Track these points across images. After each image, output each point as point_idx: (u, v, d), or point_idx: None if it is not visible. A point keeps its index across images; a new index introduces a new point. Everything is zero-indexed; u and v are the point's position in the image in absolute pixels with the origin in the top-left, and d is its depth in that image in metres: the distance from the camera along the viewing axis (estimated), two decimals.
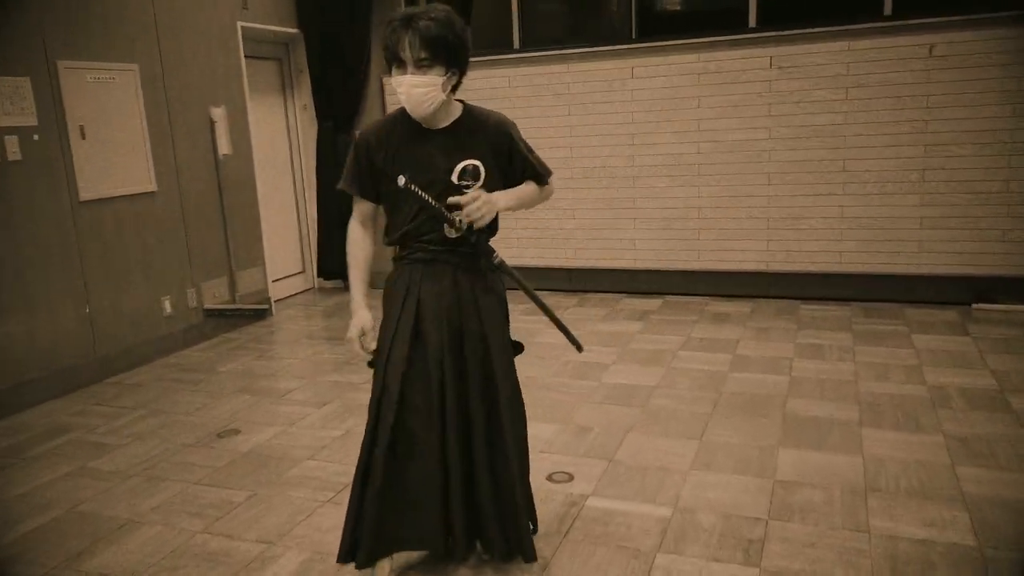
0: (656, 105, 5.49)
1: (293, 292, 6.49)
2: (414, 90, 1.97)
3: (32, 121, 4.02)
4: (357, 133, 2.26)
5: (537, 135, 5.80)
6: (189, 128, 5.05)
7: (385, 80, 6.20)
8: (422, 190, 2.02)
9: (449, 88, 2.03)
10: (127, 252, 4.59)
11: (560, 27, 6.46)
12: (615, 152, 5.66)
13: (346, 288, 6.50)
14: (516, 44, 6.08)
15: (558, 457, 3.15)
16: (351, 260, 2.24)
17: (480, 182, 2.11)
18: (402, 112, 2.09)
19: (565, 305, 5.66)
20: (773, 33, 5.20)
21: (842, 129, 5.07)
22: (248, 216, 5.64)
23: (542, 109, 5.79)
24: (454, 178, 2.09)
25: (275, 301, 5.97)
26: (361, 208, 2.23)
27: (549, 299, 5.83)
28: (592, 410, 3.65)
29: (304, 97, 6.33)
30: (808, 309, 5.19)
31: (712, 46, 5.34)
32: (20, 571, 2.53)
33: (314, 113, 6.27)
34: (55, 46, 4.12)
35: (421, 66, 1.95)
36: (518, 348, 2.38)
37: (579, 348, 2.32)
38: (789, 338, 4.57)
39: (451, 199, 2.03)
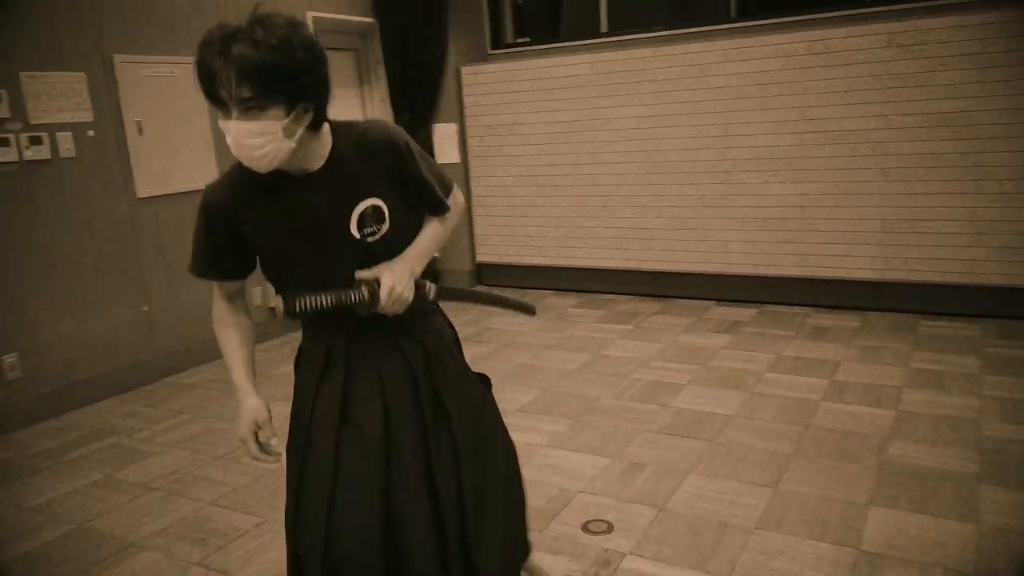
0: (753, 91, 4.89)
1: None
2: (245, 141, 1.39)
3: (88, 117, 3.97)
4: (204, 194, 1.62)
5: (621, 126, 5.33)
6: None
7: (464, 70, 5.91)
8: (316, 257, 1.55)
9: (301, 130, 1.44)
10: (186, 248, 4.49)
11: (652, 8, 5.94)
12: (705, 144, 5.10)
13: None
14: (603, 28, 5.63)
15: (599, 500, 2.74)
16: (223, 343, 1.66)
17: (386, 224, 1.57)
18: None
19: (646, 312, 5.18)
20: (891, 7, 4.50)
21: (975, 116, 4.30)
22: None
23: (626, 97, 5.30)
24: (354, 230, 1.54)
25: None
26: (226, 288, 1.66)
27: (628, 304, 5.38)
28: (650, 442, 3.20)
29: (382, 89, 6.13)
30: (929, 326, 4.47)
31: (819, 23, 4.69)
32: None
33: (390, 106, 6.06)
34: (111, 40, 4.06)
35: (248, 109, 1.36)
36: (485, 382, 1.92)
37: (531, 312, 1.92)
38: (901, 361, 3.91)
39: (359, 275, 1.53)
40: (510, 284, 6.15)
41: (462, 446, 1.71)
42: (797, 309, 5.01)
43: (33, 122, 3.73)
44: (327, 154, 1.52)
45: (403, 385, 1.65)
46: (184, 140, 4.44)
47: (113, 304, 4.13)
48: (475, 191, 6.09)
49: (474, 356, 4.48)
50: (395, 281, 1.51)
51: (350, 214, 1.52)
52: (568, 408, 3.62)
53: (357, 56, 6.10)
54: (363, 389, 1.63)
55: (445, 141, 6.07)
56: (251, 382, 1.63)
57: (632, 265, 5.55)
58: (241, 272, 1.64)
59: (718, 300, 5.34)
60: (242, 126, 1.36)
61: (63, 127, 3.86)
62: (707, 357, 4.19)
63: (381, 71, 6.04)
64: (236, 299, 1.68)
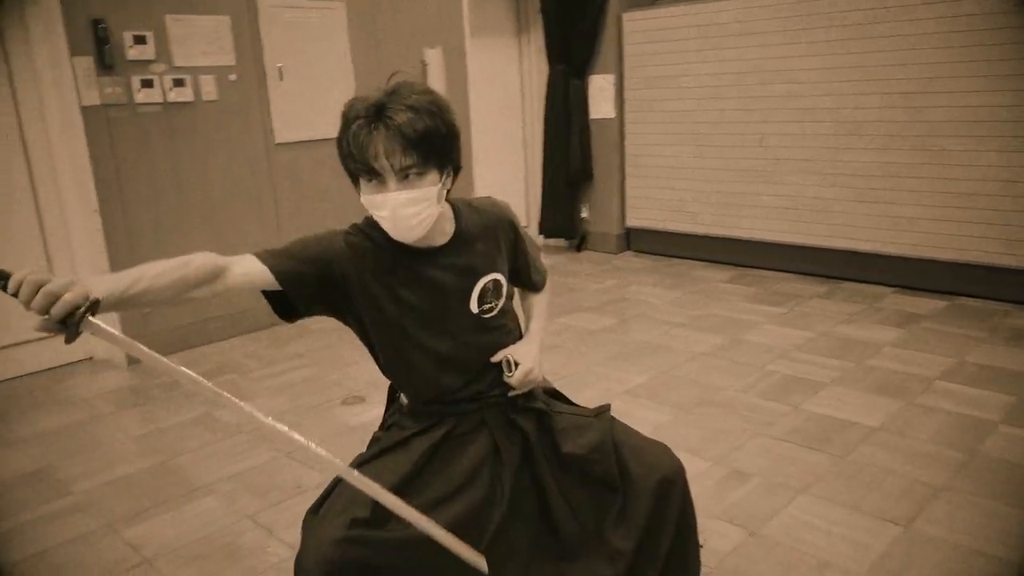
0: (961, 39, 4.02)
1: None
2: (403, 211, 1.36)
3: (230, 61, 4.05)
4: (349, 228, 1.51)
5: (801, 79, 4.65)
6: (398, 68, 4.83)
7: (625, 17, 5.44)
8: (437, 333, 1.49)
9: (444, 196, 1.43)
10: (323, 195, 4.53)
11: None
12: (897, 102, 4.30)
13: (570, 248, 6.01)
14: None
15: None
16: (152, 266, 1.28)
17: (502, 300, 1.56)
18: (376, 227, 1.45)
19: (806, 294, 4.54)
20: None
21: None
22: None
23: (808, 46, 4.60)
24: (473, 306, 1.51)
25: None
26: (248, 270, 1.38)
27: (787, 284, 4.75)
28: (764, 448, 2.73)
29: (539, 39, 5.82)
30: None
31: None
32: (76, 522, 2.48)
33: (546, 56, 5.74)
34: None
35: (407, 177, 1.35)
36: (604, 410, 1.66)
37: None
38: None
39: (502, 356, 1.54)
40: (659, 252, 5.69)
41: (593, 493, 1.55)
42: (996, 305, 4.14)
43: (177, 64, 3.85)
44: (451, 229, 1.49)
45: (515, 452, 1.53)
46: (323, 87, 4.43)
47: (247, 246, 4.23)
48: (628, 150, 5.65)
49: (598, 327, 4.15)
50: (534, 365, 1.54)
51: (472, 289, 1.50)
52: (681, 396, 3.20)
53: (516, 5, 5.83)
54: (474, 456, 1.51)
55: (600, 94, 5.66)
56: (117, 289, 1.20)
57: (798, 239, 4.88)
58: (295, 298, 1.42)
59: (897, 287, 4.56)
60: (401, 196, 1.34)
61: (206, 70, 3.96)
62: (865, 354, 3.55)
63: (539, 20, 5.72)
64: (220, 282, 1.35)
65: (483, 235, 1.54)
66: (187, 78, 3.89)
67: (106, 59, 3.60)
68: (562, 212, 5.90)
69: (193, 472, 2.78)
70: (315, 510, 1.43)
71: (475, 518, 1.43)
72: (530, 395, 1.59)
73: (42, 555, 2.31)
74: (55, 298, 1.07)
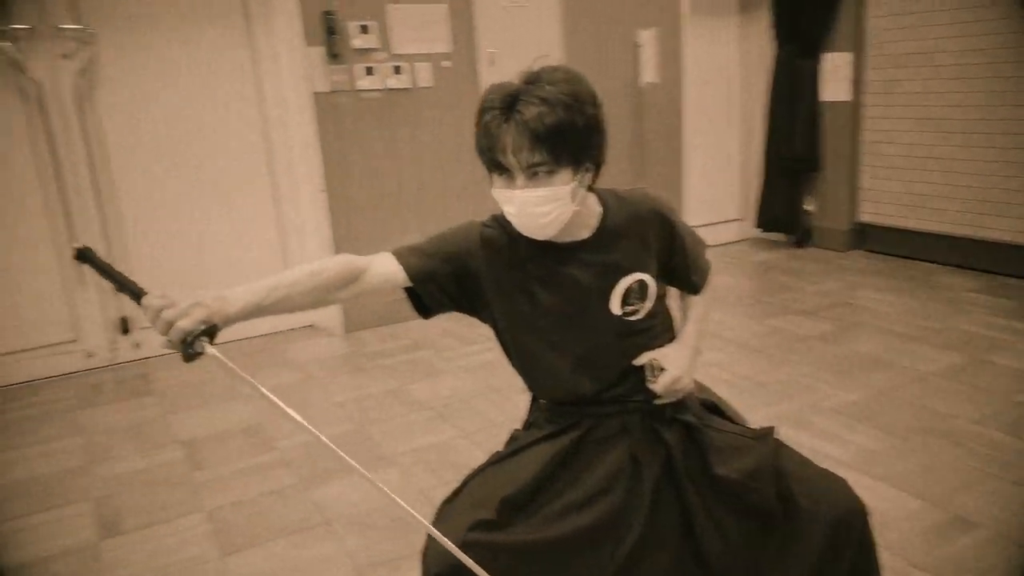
0: None
1: (725, 241, 5.80)
2: (531, 210, 1.28)
3: (445, 48, 4.18)
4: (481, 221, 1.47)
5: None
6: (610, 53, 4.72)
7: None
8: (573, 334, 1.40)
9: (582, 194, 1.33)
10: None
11: None
12: None
13: (790, 244, 5.55)
14: None
15: (888, 558, 2.03)
16: (289, 272, 1.31)
17: (649, 302, 1.42)
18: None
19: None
20: None
21: None
22: (667, 153, 5.13)
23: None
24: (614, 307, 1.39)
25: None
26: (385, 270, 1.36)
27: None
28: (994, 493, 2.29)
29: (764, 17, 5.39)
30: None
31: None
32: (275, 476, 2.70)
33: (772, 34, 5.30)
34: None
35: (535, 175, 1.26)
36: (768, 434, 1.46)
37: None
38: None
39: (646, 359, 1.40)
40: (894, 252, 5.06)
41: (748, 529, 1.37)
42: None
43: (396, 52, 4.05)
44: (596, 223, 1.39)
45: (656, 466, 1.39)
46: None
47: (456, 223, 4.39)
48: (865, 136, 5.06)
49: (811, 333, 3.77)
50: (683, 373, 1.40)
51: (613, 289, 1.39)
52: (899, 421, 2.80)
53: None
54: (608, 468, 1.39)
55: (833, 75, 5.12)
56: (254, 299, 1.25)
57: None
58: (430, 296, 1.40)
59: None
60: (529, 194, 1.26)
61: (422, 57, 4.13)
62: None
63: None
64: (359, 284, 1.35)
65: (631, 230, 1.41)
66: (404, 65, 4.08)
67: (334, 48, 3.86)
68: (783, 204, 5.46)
69: (381, 442, 2.92)
70: (449, 501, 1.40)
71: (608, 531, 1.32)
72: (680, 406, 1.44)
73: (239, 504, 2.54)
74: (170, 324, 1.14)
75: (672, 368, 1.39)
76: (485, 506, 1.31)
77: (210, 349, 1.18)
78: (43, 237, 3.64)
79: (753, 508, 1.34)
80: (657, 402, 1.40)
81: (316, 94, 3.89)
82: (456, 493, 1.41)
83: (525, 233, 1.33)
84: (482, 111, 1.27)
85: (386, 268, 1.37)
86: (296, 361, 3.82)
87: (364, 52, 3.98)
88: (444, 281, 1.39)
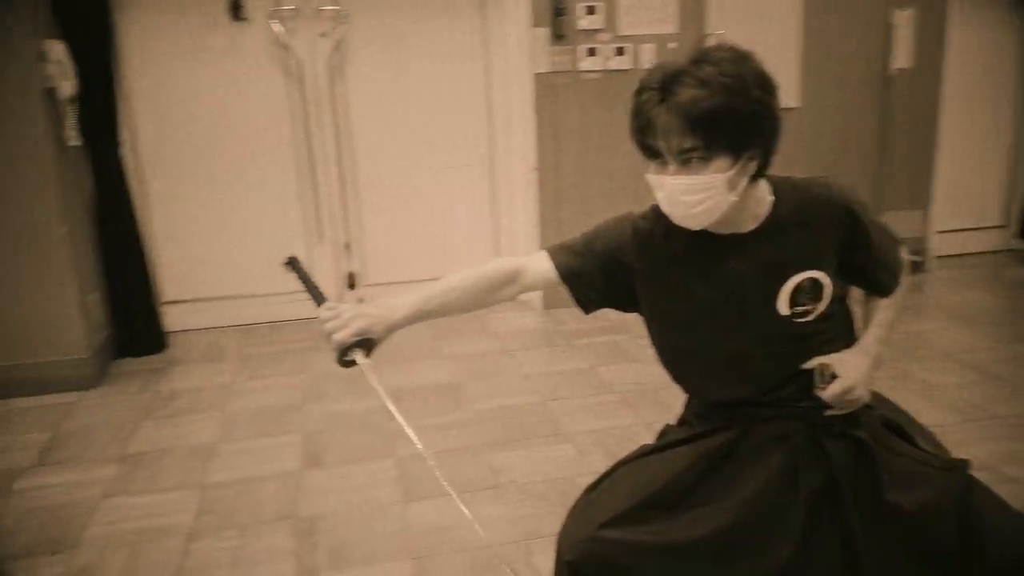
0: None
1: (973, 251, 5.11)
2: (680, 198, 1.21)
3: (671, 29, 4.07)
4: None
5: None
6: (856, 36, 4.32)
7: None
8: (731, 334, 1.31)
9: (744, 183, 1.22)
10: None
11: None
12: None
13: None
14: None
15: None
16: (450, 277, 1.41)
17: (823, 303, 1.29)
18: None
19: None
20: None
21: None
22: (918, 146, 4.59)
23: None
24: (781, 307, 1.28)
25: (936, 257, 4.81)
26: (540, 269, 1.39)
27: None
28: None
29: None
30: None
31: None
32: (459, 435, 2.84)
33: None
34: None
35: (688, 162, 1.19)
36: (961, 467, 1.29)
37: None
38: None
39: (816, 364, 1.28)
40: None
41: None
42: None
43: (621, 33, 4.01)
44: (764, 213, 1.29)
45: (815, 481, 1.29)
46: (762, 55, 4.17)
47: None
48: None
49: None
50: (858, 383, 1.27)
51: (781, 287, 1.28)
52: None
53: None
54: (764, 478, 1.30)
55: None
56: (416, 306, 1.37)
57: None
58: (584, 292, 1.41)
59: None
60: (679, 181, 1.19)
61: (647, 39, 4.05)
62: None
63: None
64: (514, 283, 1.41)
65: (805, 223, 1.29)
66: (628, 46, 4.03)
67: (559, 29, 3.92)
68: None
69: (561, 418, 2.96)
70: (591, 489, 1.38)
71: (754, 547, 1.23)
72: (854, 419, 1.29)
73: (423, 458, 2.71)
74: (330, 335, 1.30)
75: (845, 376, 1.26)
76: (623, 500, 1.28)
77: (361, 360, 1.32)
78: (292, 197, 4.10)
79: (926, 549, 1.18)
80: (828, 413, 1.27)
81: (537, 75, 3.97)
82: (599, 481, 1.39)
83: (677, 222, 1.27)
84: (639, 90, 1.21)
85: (541, 267, 1.39)
86: (496, 331, 3.97)
87: (589, 33, 3.99)
88: (594, 278, 1.38)
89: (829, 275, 1.29)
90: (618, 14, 3.98)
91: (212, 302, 4.11)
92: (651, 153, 1.23)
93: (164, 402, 3.23)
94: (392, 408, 1.30)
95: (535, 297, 4.29)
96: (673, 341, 1.37)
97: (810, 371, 1.29)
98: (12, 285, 3.25)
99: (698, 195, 1.19)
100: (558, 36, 3.93)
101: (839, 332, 1.33)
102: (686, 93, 1.14)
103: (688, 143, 1.16)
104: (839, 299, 1.32)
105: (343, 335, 1.30)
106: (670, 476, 1.29)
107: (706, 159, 1.17)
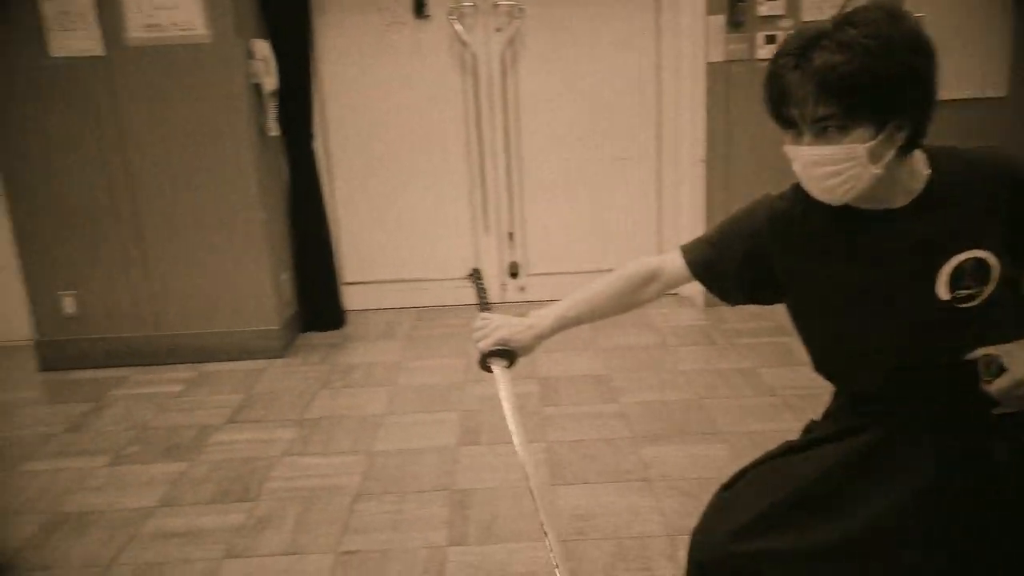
0: None
1: None
2: (814, 171, 1.13)
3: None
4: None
5: None
6: None
7: None
8: (880, 320, 1.20)
9: (890, 154, 1.10)
10: None
11: None
12: None
13: None
14: None
15: None
16: (586, 287, 1.43)
17: (990, 286, 1.14)
18: None
19: None
20: None
21: None
22: None
23: None
24: (940, 290, 1.15)
25: None
26: (676, 265, 1.37)
27: None
28: None
29: None
30: None
31: None
32: (611, 425, 2.84)
33: None
34: None
35: (824, 131, 1.09)
36: None
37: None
38: None
39: (981, 354, 1.14)
40: None
41: None
42: None
43: (805, 19, 3.80)
44: (919, 187, 1.18)
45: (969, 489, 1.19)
46: (965, 41, 3.80)
47: None
48: None
49: None
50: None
51: (940, 267, 1.15)
52: None
53: None
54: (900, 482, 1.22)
55: None
56: (560, 314, 1.41)
57: None
58: (721, 285, 1.37)
59: None
60: (815, 152, 1.12)
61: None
62: None
63: None
64: (658, 283, 1.40)
65: (968, 198, 1.16)
66: None
67: (737, 16, 3.79)
68: None
69: (716, 417, 2.88)
70: (726, 487, 1.34)
71: (895, 557, 1.13)
72: (1022, 421, 1.16)
73: (576, 443, 2.75)
74: (475, 343, 1.41)
75: (1016, 369, 1.11)
76: (759, 502, 1.23)
77: (496, 368, 1.41)
78: (462, 188, 4.27)
79: None
80: (997, 411, 1.15)
81: (710, 64, 3.86)
82: (736, 479, 1.35)
83: (814, 194, 1.17)
84: (775, 56, 1.13)
85: (677, 262, 1.37)
86: (655, 325, 3.92)
87: (769, 19, 3.82)
88: (728, 268, 1.32)
89: (996, 255, 1.14)
90: (802, 0, 3.79)
91: (387, 285, 4.37)
92: (786, 123, 1.15)
93: (340, 374, 3.50)
94: (510, 421, 1.34)
95: (697, 293, 4.18)
96: (817, 329, 1.29)
97: (973, 363, 1.16)
98: (219, 262, 3.64)
99: (835, 167, 1.10)
100: (735, 24, 3.80)
101: (1007, 320, 1.17)
102: (822, 58, 1.05)
103: (823, 111, 1.08)
104: (1009, 282, 1.18)
105: (485, 344, 1.39)
106: (810, 478, 1.22)
107: (844, 128, 1.08)
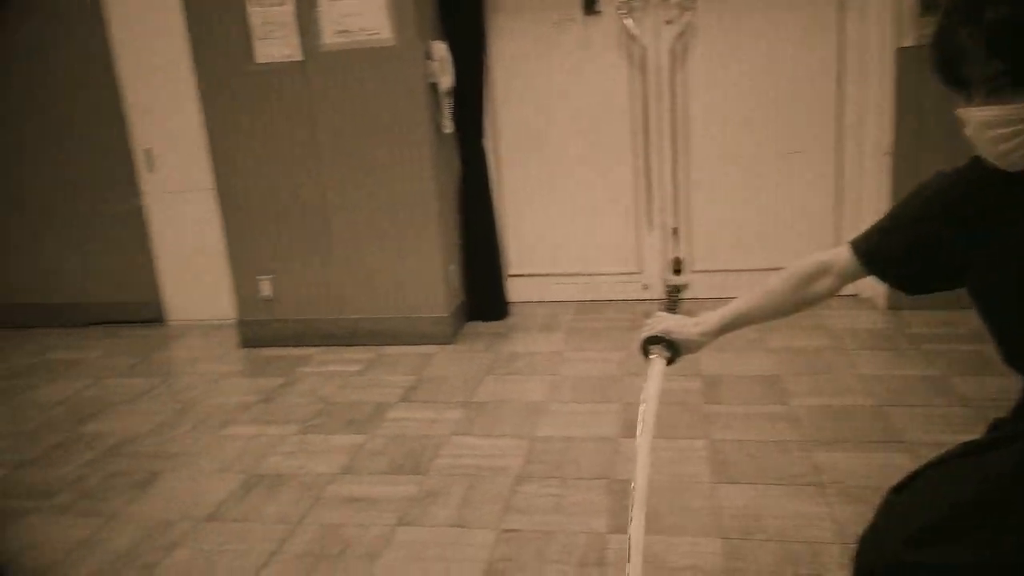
0: None
1: None
2: (985, 134, 1.03)
3: None
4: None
5: None
6: None
7: None
8: None
9: None
10: None
11: None
12: None
13: None
14: None
15: None
16: (757, 286, 1.40)
17: None
18: None
19: None
20: None
21: None
22: None
23: None
24: None
25: None
26: (843, 261, 1.29)
27: None
28: None
29: None
30: None
31: None
32: (779, 429, 2.73)
33: None
34: None
35: (995, 90, 1.00)
36: None
37: None
38: None
39: None
40: None
41: None
42: None
43: None
44: None
45: None
46: None
47: None
48: None
49: None
50: None
51: None
52: None
53: None
54: None
55: None
56: (730, 311, 1.40)
57: None
58: (895, 275, 1.28)
59: None
60: (987, 112, 1.03)
61: None
62: None
63: None
64: (830, 278, 1.32)
65: None
66: None
67: None
68: None
69: (901, 425, 2.69)
70: (897, 490, 1.25)
71: None
72: None
73: (742, 443, 2.67)
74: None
75: None
76: (934, 508, 1.14)
77: (652, 357, 1.43)
78: (627, 183, 4.26)
79: None
80: None
81: (899, 49, 3.60)
82: (908, 480, 1.25)
83: (990, 159, 1.06)
84: (942, 13, 1.05)
85: (847, 255, 1.29)
86: (830, 327, 3.71)
87: None
88: (900, 256, 1.22)
89: None
90: None
91: (550, 278, 4.45)
92: (956, 84, 1.05)
93: (504, 362, 3.61)
94: (646, 408, 1.32)
95: (878, 295, 3.92)
96: (1004, 313, 1.15)
97: None
98: (396, 252, 3.87)
99: (1009, 128, 1.00)
100: (927, 6, 3.52)
101: None
102: (994, 11, 0.97)
103: (992, 68, 0.99)
104: None
105: (644, 332, 1.43)
106: (993, 482, 1.11)
107: (1019, 85, 0.98)
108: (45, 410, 3.45)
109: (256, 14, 3.67)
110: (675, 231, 4.27)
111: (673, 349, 1.43)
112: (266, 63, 3.73)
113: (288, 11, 3.64)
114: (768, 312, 1.38)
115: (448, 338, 3.92)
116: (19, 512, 2.57)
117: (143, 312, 4.61)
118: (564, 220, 4.36)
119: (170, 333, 4.46)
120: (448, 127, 3.93)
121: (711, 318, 1.40)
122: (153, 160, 4.38)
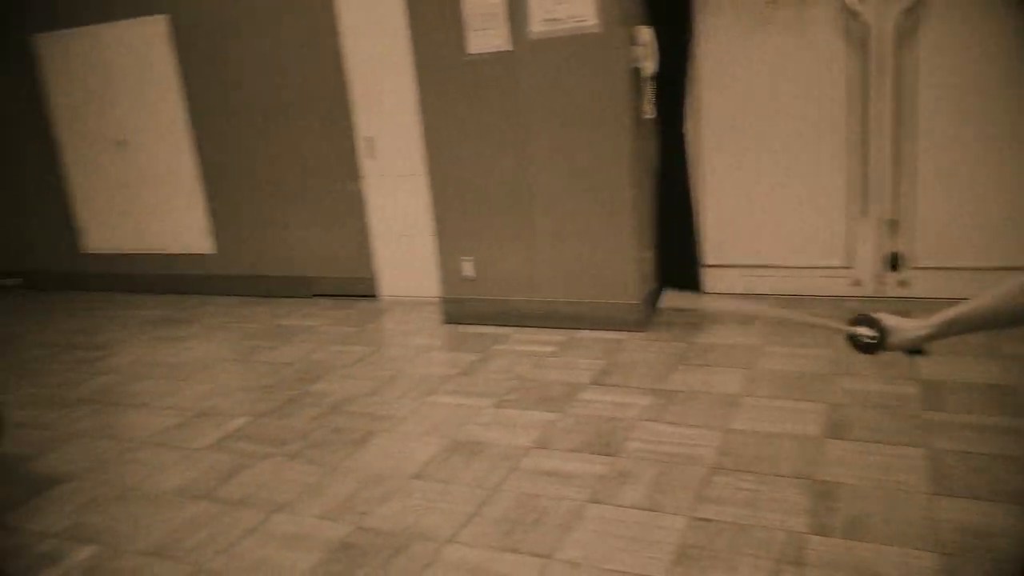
0: None
1: None
2: None
3: None
4: None
5: None
6: None
7: None
8: None
9: None
10: None
11: None
12: None
13: None
14: None
15: None
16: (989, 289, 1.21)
17: None
18: None
19: None
20: None
21: None
22: None
23: None
24: None
25: None
26: None
27: None
28: None
29: None
30: None
31: None
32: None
33: None
34: None
35: None
36: None
37: None
38: None
39: None
40: None
41: None
42: None
43: None
44: None
45: None
46: None
47: None
48: None
49: None
50: None
51: None
52: None
53: None
54: None
55: None
56: (947, 320, 1.27)
57: None
58: None
59: None
60: None
61: None
62: None
63: None
64: None
65: None
66: None
67: None
68: None
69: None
70: None
71: None
72: None
73: (967, 455, 2.43)
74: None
75: None
76: None
77: (854, 329, 1.37)
78: (839, 169, 3.99)
79: None
80: None
81: None
82: None
83: None
84: None
85: None
86: None
87: None
88: None
89: None
90: None
91: (749, 269, 4.29)
92: None
93: (698, 352, 3.54)
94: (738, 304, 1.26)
95: None
96: None
97: None
98: (591, 237, 3.91)
99: None
100: None
101: None
102: None
103: None
104: None
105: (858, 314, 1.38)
106: None
107: None
108: (279, 369, 3.88)
109: (470, 8, 3.85)
110: (894, 223, 3.94)
111: (881, 333, 1.33)
112: (478, 53, 3.91)
113: (500, 1, 3.78)
114: (1003, 318, 1.20)
115: (639, 325, 3.91)
116: (258, 455, 2.93)
117: (359, 287, 5.03)
118: (766, 208, 4.18)
119: (382, 307, 4.83)
120: (649, 112, 3.90)
121: (934, 318, 1.30)
122: (374, 147, 4.75)
